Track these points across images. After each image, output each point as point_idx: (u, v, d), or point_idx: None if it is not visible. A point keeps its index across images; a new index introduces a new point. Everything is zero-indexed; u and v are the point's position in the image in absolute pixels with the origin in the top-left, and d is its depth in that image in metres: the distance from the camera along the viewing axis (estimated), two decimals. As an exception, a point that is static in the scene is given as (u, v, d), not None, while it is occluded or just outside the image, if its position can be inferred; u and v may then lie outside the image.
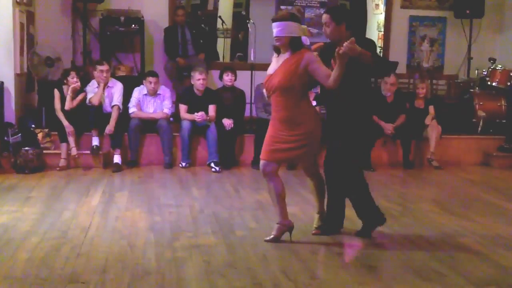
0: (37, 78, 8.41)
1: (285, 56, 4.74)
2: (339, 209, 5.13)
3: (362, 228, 5.08)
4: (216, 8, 12.31)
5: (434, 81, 9.85)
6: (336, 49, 4.38)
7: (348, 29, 4.86)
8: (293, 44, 4.68)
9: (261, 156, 4.90)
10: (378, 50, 10.50)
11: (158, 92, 8.14)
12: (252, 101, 8.56)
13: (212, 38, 11.52)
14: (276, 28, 4.67)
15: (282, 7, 9.40)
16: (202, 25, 10.66)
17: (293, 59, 4.67)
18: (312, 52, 4.80)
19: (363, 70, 4.73)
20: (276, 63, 4.80)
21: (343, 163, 4.92)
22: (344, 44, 4.35)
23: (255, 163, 8.00)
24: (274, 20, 4.72)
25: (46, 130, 7.85)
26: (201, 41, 9.44)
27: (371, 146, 8.14)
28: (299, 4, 9.41)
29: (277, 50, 4.80)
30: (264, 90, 4.92)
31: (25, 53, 8.21)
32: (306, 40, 4.76)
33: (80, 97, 7.86)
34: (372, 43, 5.02)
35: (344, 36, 4.75)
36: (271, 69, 4.82)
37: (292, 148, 4.76)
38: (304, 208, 5.62)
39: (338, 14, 4.91)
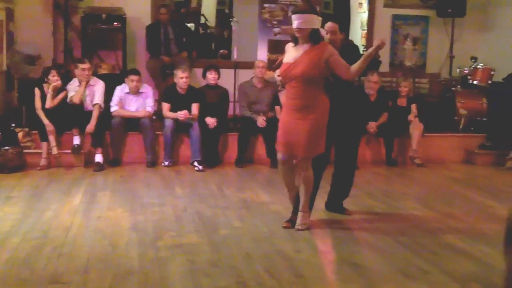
0: (17, 76, 8.32)
1: (305, 46, 4.89)
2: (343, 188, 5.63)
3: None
4: (200, 5, 12.28)
5: (417, 80, 9.88)
6: (379, 42, 4.82)
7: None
8: (313, 36, 4.85)
9: (276, 147, 5.17)
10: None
11: (140, 91, 8.09)
12: (236, 99, 8.54)
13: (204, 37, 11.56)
14: (297, 20, 4.82)
15: (265, 5, 9.38)
16: (186, 24, 10.62)
17: (315, 50, 4.84)
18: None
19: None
20: (294, 52, 4.94)
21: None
22: (382, 39, 4.83)
23: (239, 161, 7.99)
24: (295, 12, 4.89)
25: (27, 129, 7.77)
26: (184, 39, 9.41)
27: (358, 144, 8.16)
28: (282, 2, 9.39)
29: (295, 40, 4.95)
30: (277, 77, 5.09)
31: (4, 51, 8.12)
32: (323, 32, 4.98)
33: (61, 95, 7.78)
34: (357, 47, 5.74)
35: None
36: (289, 58, 4.96)
37: (302, 138, 4.88)
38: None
39: (343, 23, 5.41)
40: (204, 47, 11.25)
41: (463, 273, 4.20)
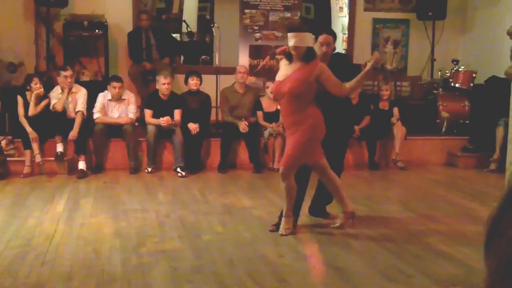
0: (-1, 84, 8.28)
1: (297, 64, 4.85)
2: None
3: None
4: (181, 11, 12.27)
5: (398, 83, 9.93)
6: (375, 59, 4.87)
7: None
8: (307, 54, 4.81)
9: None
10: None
11: (122, 97, 8.07)
12: (218, 105, 8.54)
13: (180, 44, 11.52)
14: (293, 38, 4.77)
15: (246, 10, 9.40)
16: (172, 34, 10.61)
17: (307, 68, 4.80)
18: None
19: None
20: (287, 69, 4.91)
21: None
22: (377, 55, 4.96)
23: (221, 167, 7.99)
24: (291, 30, 4.84)
25: (10, 137, 7.73)
26: (166, 45, 9.41)
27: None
28: (263, 7, 9.41)
29: (289, 58, 4.90)
30: (270, 93, 5.14)
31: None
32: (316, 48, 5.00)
33: (43, 103, 7.75)
34: (345, 56, 5.62)
35: None
36: (280, 76, 4.94)
37: (286, 150, 4.97)
38: (271, 211, 5.62)
39: (335, 34, 5.37)
40: (188, 53, 11.25)
41: (445, 276, 4.23)
